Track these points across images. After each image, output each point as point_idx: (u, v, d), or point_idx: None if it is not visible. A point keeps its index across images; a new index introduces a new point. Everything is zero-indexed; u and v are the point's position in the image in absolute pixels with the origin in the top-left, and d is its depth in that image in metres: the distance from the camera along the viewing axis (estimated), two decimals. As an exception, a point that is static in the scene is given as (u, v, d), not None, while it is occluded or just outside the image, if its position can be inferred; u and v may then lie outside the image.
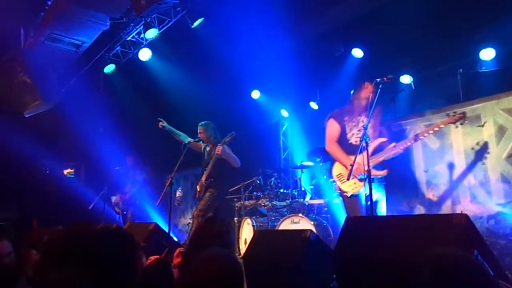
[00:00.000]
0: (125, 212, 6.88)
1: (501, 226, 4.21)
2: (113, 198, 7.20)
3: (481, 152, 4.86)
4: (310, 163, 6.07)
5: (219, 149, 4.90)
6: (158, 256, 3.00)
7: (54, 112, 7.28)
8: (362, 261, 2.20)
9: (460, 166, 5.03)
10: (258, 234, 3.06)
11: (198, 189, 5.16)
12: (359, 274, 2.20)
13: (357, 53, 6.25)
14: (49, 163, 8.73)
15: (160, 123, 5.40)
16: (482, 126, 4.88)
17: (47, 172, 8.92)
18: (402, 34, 5.14)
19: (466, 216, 2.02)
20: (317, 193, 5.97)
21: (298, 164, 6.13)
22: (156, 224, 3.90)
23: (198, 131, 5.28)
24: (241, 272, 1.61)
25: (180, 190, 5.50)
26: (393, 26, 5.09)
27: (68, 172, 9.27)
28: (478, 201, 4.58)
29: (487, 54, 5.04)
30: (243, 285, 1.63)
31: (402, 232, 2.16)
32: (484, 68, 5.18)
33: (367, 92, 3.61)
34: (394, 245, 2.12)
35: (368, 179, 3.11)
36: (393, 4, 4.92)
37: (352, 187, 3.55)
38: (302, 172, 6.14)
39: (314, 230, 4.60)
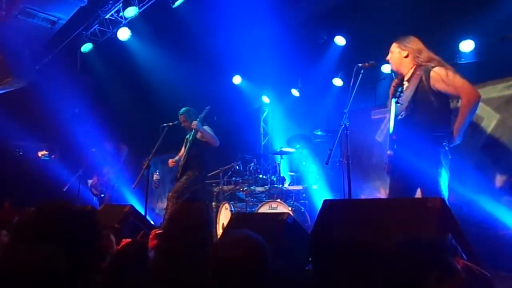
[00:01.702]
0: (102, 195, 6.78)
1: (473, 215, 4.30)
2: (89, 181, 7.08)
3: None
4: (290, 149, 6.08)
5: (194, 123, 4.86)
6: (129, 240, 2.94)
7: (27, 90, 7.03)
8: (337, 244, 2.20)
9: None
10: (235, 217, 3.04)
11: (180, 169, 5.11)
12: (334, 257, 2.21)
13: (340, 41, 6.24)
14: (23, 144, 8.47)
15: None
16: (459, 115, 4.96)
17: (21, 153, 8.66)
18: (384, 24, 5.15)
19: (441, 199, 2.04)
20: (296, 179, 5.99)
21: (278, 150, 6.12)
22: (132, 206, 3.84)
23: (180, 119, 5.17)
24: (267, 255, 1.55)
25: (157, 173, 5.42)
26: (375, 16, 5.10)
27: (42, 154, 9.02)
28: (453, 189, 4.66)
29: (467, 46, 5.10)
30: (266, 269, 1.56)
31: (378, 215, 2.17)
32: (463, 59, 5.24)
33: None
34: (369, 228, 2.12)
35: (347, 164, 3.11)
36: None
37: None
38: (281, 158, 6.14)
39: (291, 215, 4.62)
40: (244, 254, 1.49)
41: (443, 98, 3.09)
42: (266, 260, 1.54)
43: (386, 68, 5.75)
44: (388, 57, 3.35)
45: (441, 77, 3.07)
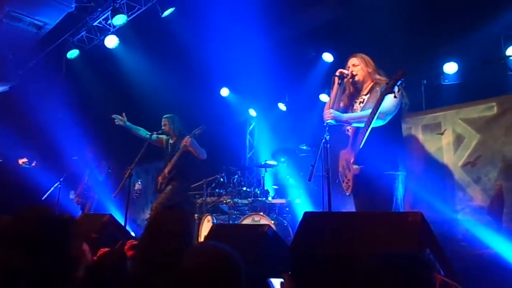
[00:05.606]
0: (84, 203, 6.63)
1: (453, 232, 4.34)
2: (72, 192, 6.94)
3: (439, 160, 5.01)
4: (274, 163, 6.07)
5: (187, 140, 4.79)
6: (107, 249, 2.87)
7: (9, 95, 6.90)
8: (317, 257, 2.18)
9: (419, 172, 5.16)
10: (216, 228, 2.99)
11: (160, 180, 5.01)
12: (314, 269, 2.18)
13: (328, 57, 6.31)
14: (2, 151, 8.27)
15: (115, 121, 5.08)
16: (442, 134, 5.05)
17: (0, 161, 8.44)
18: (371, 44, 5.24)
19: (421, 214, 2.04)
20: (280, 193, 5.97)
21: (262, 163, 6.10)
22: (111, 215, 3.75)
23: (163, 123, 5.14)
24: (240, 269, 1.44)
25: (139, 183, 5.34)
26: (363, 36, 5.18)
27: (23, 162, 8.81)
28: (434, 207, 4.71)
29: (450, 68, 5.23)
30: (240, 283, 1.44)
31: (358, 228, 2.16)
32: (447, 81, 5.36)
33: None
34: (350, 241, 2.11)
35: (327, 178, 3.10)
36: (365, 15, 5.03)
37: (345, 186, 3.33)
38: (265, 171, 6.12)
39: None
40: (214, 263, 1.38)
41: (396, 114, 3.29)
42: (237, 276, 1.43)
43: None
44: (352, 69, 3.41)
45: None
